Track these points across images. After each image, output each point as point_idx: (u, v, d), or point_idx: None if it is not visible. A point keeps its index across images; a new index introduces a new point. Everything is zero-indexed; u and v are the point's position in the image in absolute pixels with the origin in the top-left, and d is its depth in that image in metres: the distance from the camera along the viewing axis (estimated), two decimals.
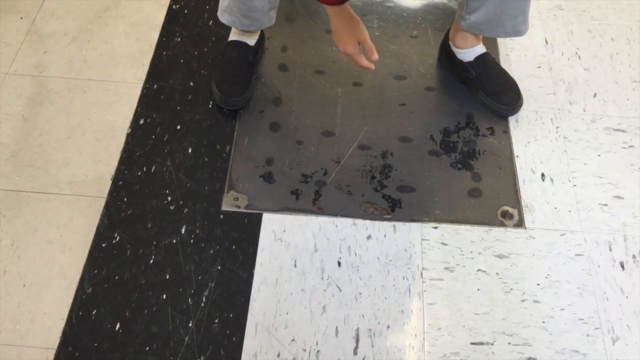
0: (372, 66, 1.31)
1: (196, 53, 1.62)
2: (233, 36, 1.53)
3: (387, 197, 1.36)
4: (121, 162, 1.40)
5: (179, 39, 1.65)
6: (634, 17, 1.70)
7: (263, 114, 1.50)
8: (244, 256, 1.26)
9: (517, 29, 1.39)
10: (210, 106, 1.51)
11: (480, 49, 1.50)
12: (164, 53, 1.61)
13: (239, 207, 1.34)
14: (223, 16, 1.46)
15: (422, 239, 1.29)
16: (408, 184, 1.38)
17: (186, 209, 1.33)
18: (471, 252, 1.27)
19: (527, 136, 1.46)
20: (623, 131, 1.47)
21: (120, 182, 1.37)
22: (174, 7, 1.72)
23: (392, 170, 1.40)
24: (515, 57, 1.60)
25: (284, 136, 1.46)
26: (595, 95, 1.54)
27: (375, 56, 1.28)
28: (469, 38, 1.49)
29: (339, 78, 1.58)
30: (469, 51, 1.51)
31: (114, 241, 1.28)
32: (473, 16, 1.40)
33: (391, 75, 1.59)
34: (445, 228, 1.31)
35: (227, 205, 1.34)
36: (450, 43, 1.54)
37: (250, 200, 1.35)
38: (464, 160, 1.42)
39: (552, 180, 1.38)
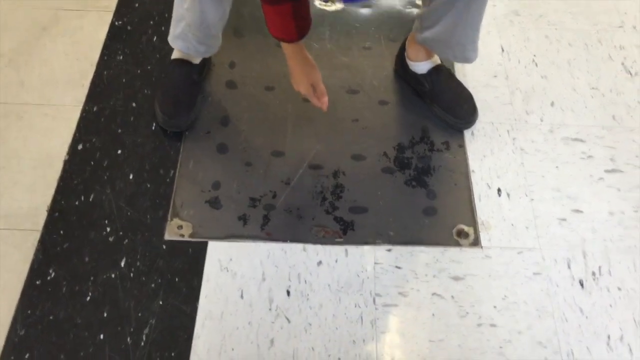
0: (324, 106, 1.31)
1: (139, 72, 1.54)
2: (176, 54, 1.46)
3: (339, 219, 1.30)
4: (58, 191, 1.33)
5: (121, 57, 1.57)
6: (591, 21, 1.67)
7: (210, 135, 1.44)
8: (187, 289, 1.20)
9: (466, 56, 1.36)
10: (153, 128, 1.44)
11: (434, 62, 1.45)
12: (105, 73, 1.54)
13: (183, 235, 1.27)
14: (176, 42, 1.39)
15: (375, 263, 1.23)
16: (360, 204, 1.33)
17: (126, 240, 1.26)
18: (426, 275, 1.22)
19: (483, 150, 1.41)
20: (581, 140, 1.42)
21: (57, 214, 1.29)
22: (116, 23, 1.64)
23: (344, 191, 1.35)
24: (471, 67, 1.55)
25: (231, 158, 1.40)
26: (552, 103, 1.49)
27: (325, 105, 1.31)
28: (422, 51, 1.43)
29: (289, 94, 1.51)
30: (423, 64, 1.45)
31: (49, 278, 1.20)
32: (427, 32, 1.35)
33: (343, 89, 1.53)
34: (399, 250, 1.25)
35: (171, 234, 1.27)
36: (405, 54, 1.48)
37: (195, 228, 1.28)
38: (418, 177, 1.37)
39: (508, 195, 1.33)
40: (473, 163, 1.39)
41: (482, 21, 1.28)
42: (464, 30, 1.31)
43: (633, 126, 1.45)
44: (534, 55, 1.59)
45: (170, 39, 1.41)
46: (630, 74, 1.55)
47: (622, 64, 1.57)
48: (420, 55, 1.45)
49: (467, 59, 1.38)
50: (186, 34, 1.36)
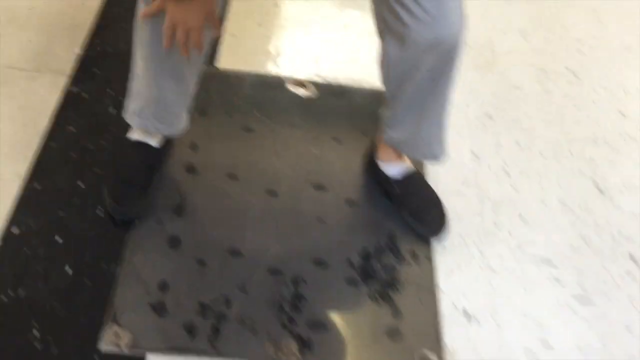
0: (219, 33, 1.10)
1: (91, 147, 1.42)
2: (134, 134, 1.36)
3: (297, 335, 1.20)
4: None
5: (73, 129, 1.45)
6: (563, 130, 1.66)
7: (162, 226, 1.32)
8: None
9: (433, 154, 1.32)
10: (99, 213, 1.31)
11: (406, 165, 1.40)
12: (53, 145, 1.41)
13: (119, 346, 1.14)
14: (133, 119, 1.30)
15: None
16: (321, 319, 1.23)
17: (56, 350, 1.11)
18: None
19: (451, 264, 1.35)
20: (549, 261, 1.38)
21: None
22: (71, 89, 1.53)
23: (304, 301, 1.25)
24: (441, 170, 1.50)
25: (183, 254, 1.29)
26: (521, 216, 1.45)
27: (219, 33, 1.09)
28: (392, 152, 1.38)
29: (253, 184, 1.43)
30: (393, 166, 1.40)
31: None
32: (393, 132, 1.30)
33: (309, 183, 1.45)
34: None
35: (107, 343, 1.14)
36: (376, 154, 1.42)
37: (135, 338, 1.15)
38: (383, 292, 1.29)
39: (475, 318, 1.27)
40: (440, 279, 1.32)
41: (446, 118, 1.25)
42: (428, 129, 1.26)
43: (601, 248, 1.42)
44: (505, 163, 1.56)
45: (127, 115, 1.31)
46: (601, 190, 1.53)
47: (593, 179, 1.55)
48: (390, 157, 1.40)
49: (435, 157, 1.34)
50: (143, 110, 1.26)
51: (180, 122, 1.33)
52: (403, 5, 1.04)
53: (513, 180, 1.52)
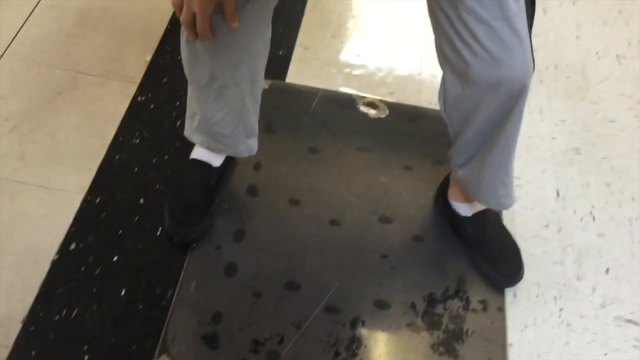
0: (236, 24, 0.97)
1: (154, 161, 1.39)
2: (196, 153, 1.31)
3: None
4: (38, 299, 1.16)
5: (137, 141, 1.42)
6: None
7: (220, 251, 1.27)
8: None
9: (498, 202, 1.19)
10: (158, 233, 1.28)
11: (477, 207, 1.28)
12: (117, 157, 1.39)
13: None
14: (194, 136, 1.26)
15: None
16: None
17: None
18: None
19: (525, 318, 1.23)
20: (636, 324, 1.24)
21: (33, 328, 1.13)
22: (139, 99, 1.50)
23: (361, 347, 1.17)
24: (521, 209, 1.38)
25: (239, 284, 1.23)
26: (607, 270, 1.32)
27: (236, 24, 0.95)
28: (462, 192, 1.27)
29: (316, 211, 1.35)
30: (465, 206, 1.29)
31: None
32: (460, 170, 1.19)
33: (376, 215, 1.36)
34: None
35: None
36: (448, 191, 1.32)
37: None
38: (448, 342, 1.19)
39: None
40: (512, 334, 1.21)
41: (512, 164, 1.12)
42: (493, 173, 1.14)
43: None
44: (592, 207, 1.42)
45: (187, 134, 1.27)
46: None
47: None
48: (459, 197, 1.28)
49: (500, 205, 1.21)
50: (202, 128, 1.22)
51: (239, 145, 1.26)
52: (463, 41, 0.93)
53: (600, 227, 1.38)
